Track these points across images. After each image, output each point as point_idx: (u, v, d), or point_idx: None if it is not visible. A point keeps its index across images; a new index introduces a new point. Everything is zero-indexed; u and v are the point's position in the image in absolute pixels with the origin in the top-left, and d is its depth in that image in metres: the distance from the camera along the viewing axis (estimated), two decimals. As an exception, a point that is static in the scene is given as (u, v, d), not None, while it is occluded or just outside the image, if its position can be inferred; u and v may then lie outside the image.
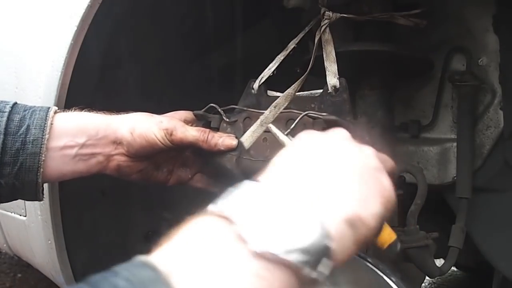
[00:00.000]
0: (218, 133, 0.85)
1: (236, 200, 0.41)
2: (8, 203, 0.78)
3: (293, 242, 0.38)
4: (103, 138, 0.80)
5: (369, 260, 0.74)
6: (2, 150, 0.73)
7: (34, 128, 0.75)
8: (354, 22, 0.97)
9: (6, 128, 0.74)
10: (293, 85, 0.80)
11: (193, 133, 0.82)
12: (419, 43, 1.06)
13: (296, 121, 0.76)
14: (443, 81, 1.05)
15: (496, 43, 0.99)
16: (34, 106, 0.79)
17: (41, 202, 1.02)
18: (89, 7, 0.90)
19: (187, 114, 0.90)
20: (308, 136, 0.53)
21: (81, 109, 0.83)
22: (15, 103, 0.78)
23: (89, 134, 0.79)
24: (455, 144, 1.03)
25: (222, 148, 0.82)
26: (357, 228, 0.45)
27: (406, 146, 1.09)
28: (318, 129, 0.73)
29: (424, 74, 1.07)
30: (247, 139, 0.77)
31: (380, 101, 1.00)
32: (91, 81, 1.02)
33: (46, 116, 0.76)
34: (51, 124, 0.76)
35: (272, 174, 0.46)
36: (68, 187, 1.02)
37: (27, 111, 0.77)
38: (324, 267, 0.39)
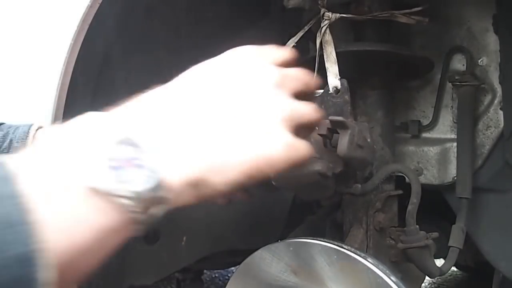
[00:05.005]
0: None
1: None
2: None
3: (126, 184, 0.38)
4: None
5: (369, 260, 0.74)
6: None
7: (16, 142, 0.75)
8: (354, 22, 0.97)
9: None
10: None
11: None
12: (419, 43, 1.06)
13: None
14: (443, 81, 1.05)
15: (496, 43, 0.99)
16: (20, 124, 0.79)
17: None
18: (89, 7, 0.90)
19: None
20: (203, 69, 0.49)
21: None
22: (1, 124, 0.78)
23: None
24: (455, 144, 1.03)
25: None
26: (199, 189, 0.43)
27: (406, 146, 1.09)
28: (322, 131, 0.73)
29: (424, 74, 1.07)
30: None
31: (380, 101, 1.00)
32: (91, 81, 1.02)
33: (29, 130, 0.76)
34: (34, 136, 0.76)
35: (142, 109, 0.44)
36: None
37: (11, 128, 0.77)
38: (156, 211, 0.40)
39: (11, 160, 0.37)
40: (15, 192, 0.34)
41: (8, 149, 0.74)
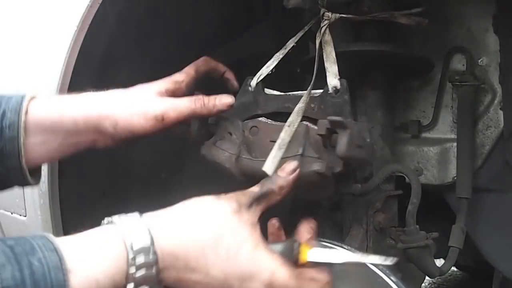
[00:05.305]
0: (212, 96, 0.79)
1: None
2: (8, 203, 0.77)
3: None
4: (83, 131, 0.76)
5: (369, 260, 0.74)
6: None
7: (10, 112, 0.73)
8: (354, 21, 0.97)
9: None
10: (302, 97, 0.78)
11: (186, 105, 0.77)
12: (419, 43, 1.06)
13: (295, 125, 0.75)
14: (443, 81, 1.05)
15: (496, 43, 0.99)
16: (13, 94, 0.76)
17: (41, 202, 1.02)
18: (89, 7, 0.90)
19: (166, 84, 0.81)
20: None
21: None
22: None
23: (68, 128, 0.75)
24: (455, 144, 1.03)
25: (221, 108, 0.78)
26: None
27: (406, 146, 1.09)
28: (321, 131, 0.72)
29: (424, 74, 1.07)
30: (270, 166, 0.71)
31: (380, 101, 1.00)
32: (91, 81, 1.02)
33: (22, 100, 0.74)
34: (27, 107, 0.73)
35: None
36: (68, 187, 1.02)
37: (3, 98, 0.75)
38: None
39: (63, 247, 0.50)
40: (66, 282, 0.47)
41: (1, 121, 0.72)
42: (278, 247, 0.63)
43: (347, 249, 0.75)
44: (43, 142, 0.75)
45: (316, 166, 0.71)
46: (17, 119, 0.73)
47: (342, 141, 0.70)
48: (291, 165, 0.69)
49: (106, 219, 0.59)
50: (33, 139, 0.74)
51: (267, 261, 0.60)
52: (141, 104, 0.77)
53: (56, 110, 0.76)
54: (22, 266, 0.46)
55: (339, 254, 0.64)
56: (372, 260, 0.64)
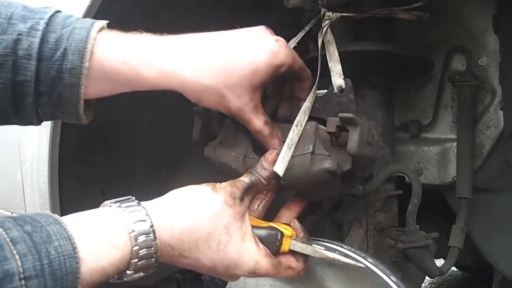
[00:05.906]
0: (278, 139, 0.75)
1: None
2: (8, 203, 0.77)
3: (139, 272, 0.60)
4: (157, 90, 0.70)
5: (369, 260, 0.74)
6: (36, 79, 0.64)
7: (72, 54, 0.63)
8: (354, 21, 0.97)
9: (39, 52, 0.63)
10: (308, 97, 0.78)
11: (258, 124, 0.73)
12: (419, 43, 1.06)
13: (302, 125, 0.75)
14: (443, 81, 1.05)
15: (496, 43, 0.99)
16: (77, 20, 0.66)
17: (41, 202, 1.02)
18: (89, 7, 0.90)
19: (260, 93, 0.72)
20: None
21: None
22: (52, 16, 0.65)
23: (140, 87, 0.69)
24: (455, 144, 1.03)
25: (267, 158, 0.74)
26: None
27: (406, 146, 1.09)
28: (331, 129, 0.72)
29: (424, 74, 1.07)
30: (279, 165, 0.71)
31: (380, 101, 1.00)
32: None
33: (87, 38, 0.64)
34: (92, 50, 0.64)
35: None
36: (68, 187, 1.02)
37: (65, 29, 0.64)
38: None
39: (75, 233, 0.54)
40: (76, 266, 0.52)
41: (61, 61, 0.64)
42: (263, 232, 0.70)
43: (347, 249, 0.75)
44: (104, 89, 0.69)
45: (327, 164, 0.70)
46: (80, 64, 0.64)
47: (353, 138, 0.69)
48: (274, 155, 0.72)
49: (108, 202, 0.64)
50: (95, 86, 0.67)
51: (252, 253, 0.67)
52: (225, 96, 0.69)
53: (132, 62, 0.66)
54: (41, 255, 0.49)
55: (315, 250, 0.71)
56: (346, 260, 0.71)
